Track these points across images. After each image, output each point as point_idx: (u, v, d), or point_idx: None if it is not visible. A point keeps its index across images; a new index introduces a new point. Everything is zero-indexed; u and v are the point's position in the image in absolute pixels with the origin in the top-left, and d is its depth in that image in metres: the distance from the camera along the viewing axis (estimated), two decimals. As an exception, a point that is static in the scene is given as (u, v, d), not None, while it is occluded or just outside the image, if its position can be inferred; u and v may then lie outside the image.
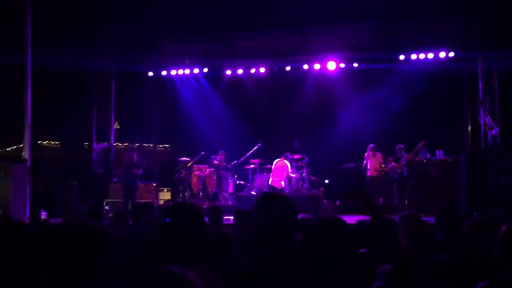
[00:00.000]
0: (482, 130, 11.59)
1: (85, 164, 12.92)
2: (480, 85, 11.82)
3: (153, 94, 14.90)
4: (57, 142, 13.81)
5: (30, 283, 1.64)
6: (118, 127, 14.67)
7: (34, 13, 10.49)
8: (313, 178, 12.88)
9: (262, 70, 13.83)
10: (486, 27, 11.44)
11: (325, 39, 13.24)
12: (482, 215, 4.81)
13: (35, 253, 1.68)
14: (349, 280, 2.12)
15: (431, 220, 7.01)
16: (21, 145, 10.54)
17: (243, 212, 6.16)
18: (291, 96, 14.07)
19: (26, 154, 10.31)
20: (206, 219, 4.91)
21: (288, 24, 12.82)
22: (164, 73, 14.58)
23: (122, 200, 11.33)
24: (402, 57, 12.92)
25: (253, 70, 14.01)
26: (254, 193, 12.41)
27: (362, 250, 3.81)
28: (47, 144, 13.87)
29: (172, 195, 13.93)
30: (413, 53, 12.84)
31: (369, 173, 12.15)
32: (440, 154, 11.76)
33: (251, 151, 12.96)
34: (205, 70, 14.26)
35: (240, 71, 14.14)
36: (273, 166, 12.54)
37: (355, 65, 13.46)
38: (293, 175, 12.52)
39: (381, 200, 11.80)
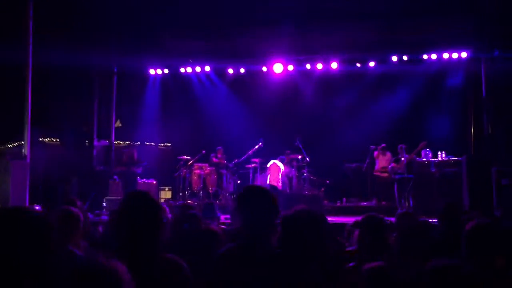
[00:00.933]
0: (485, 131, 11.51)
1: (86, 161, 12.90)
2: (484, 86, 11.74)
3: (155, 92, 14.87)
4: (57, 139, 13.79)
5: None
6: (120, 125, 14.66)
7: (35, 10, 10.49)
8: (314, 178, 12.82)
9: (264, 69, 13.78)
10: (492, 29, 11.36)
11: (329, 38, 13.17)
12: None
13: None
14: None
15: (433, 221, 6.97)
16: (22, 142, 10.55)
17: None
18: (293, 95, 14.02)
19: (26, 150, 10.31)
20: (200, 214, 4.89)
21: (292, 23, 12.74)
22: (166, 71, 14.55)
23: (122, 197, 11.29)
24: (405, 57, 12.86)
25: (255, 69, 13.96)
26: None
27: (350, 248, 3.77)
28: (48, 141, 13.85)
29: (172, 194, 13.91)
30: (417, 54, 12.76)
31: (377, 173, 12.07)
32: (442, 155, 11.68)
33: (252, 150, 12.91)
34: (207, 68, 14.22)
35: (242, 70, 14.10)
36: (268, 166, 12.51)
37: (358, 65, 13.41)
38: (290, 175, 12.48)
39: (383, 202, 11.73)
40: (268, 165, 12.47)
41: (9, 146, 13.73)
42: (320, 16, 12.25)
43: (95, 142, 13.56)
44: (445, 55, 12.59)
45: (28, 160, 10.19)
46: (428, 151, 11.48)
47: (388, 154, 12.03)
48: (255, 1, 11.56)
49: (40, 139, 13.36)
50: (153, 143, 15.25)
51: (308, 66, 13.68)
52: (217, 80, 14.70)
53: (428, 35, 12.55)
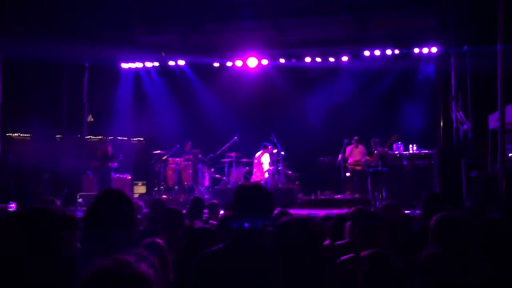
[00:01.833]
0: (454, 125, 11.81)
1: (57, 156, 12.65)
2: (453, 80, 12.05)
3: (127, 86, 14.68)
4: (27, 135, 13.47)
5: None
6: (92, 119, 14.41)
7: (3, 2, 10.20)
8: (289, 172, 12.94)
9: (239, 63, 13.78)
10: (460, 24, 11.64)
11: (301, 33, 13.27)
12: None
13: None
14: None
15: (406, 212, 7.14)
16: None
17: (216, 204, 6.16)
18: (267, 90, 14.07)
19: (-5, 146, 10.05)
20: (184, 211, 4.89)
21: (264, 17, 12.79)
22: (139, 65, 14.39)
23: (96, 193, 11.15)
24: (377, 52, 13.07)
25: (229, 64, 13.96)
26: (230, 187, 12.38)
27: (340, 242, 3.84)
28: (18, 137, 13.51)
29: (147, 189, 13.81)
30: (387, 48, 13.00)
31: (350, 166, 12.24)
32: (413, 148, 11.97)
33: (227, 144, 12.92)
34: (181, 62, 14.12)
35: (216, 64, 14.07)
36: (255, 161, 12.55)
37: (331, 59, 13.56)
38: (270, 167, 12.55)
39: (356, 195, 11.94)
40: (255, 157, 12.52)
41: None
42: (294, 11, 12.33)
43: (66, 137, 13.31)
44: (416, 50, 12.86)
45: (-2, 156, 9.94)
46: (400, 144, 11.75)
47: (361, 147, 12.23)
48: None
49: (9, 134, 13.03)
50: (125, 138, 15.06)
51: (282, 60, 13.76)
52: (191, 74, 14.61)
53: (399, 29, 12.80)
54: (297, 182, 12.76)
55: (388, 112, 13.21)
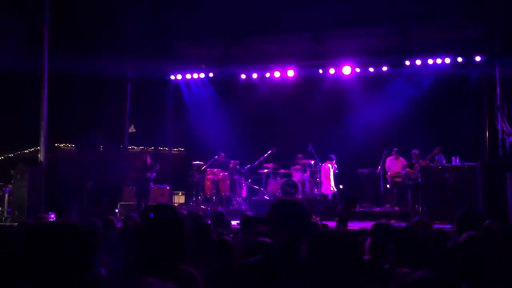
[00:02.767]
0: (500, 136, 11.38)
1: (100, 166, 13.02)
2: (498, 90, 11.63)
3: (169, 97, 14.99)
4: (72, 145, 13.96)
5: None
6: (134, 130, 14.79)
7: (51, 18, 10.67)
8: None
9: (277, 74, 13.81)
10: (505, 33, 11.26)
11: (340, 44, 13.18)
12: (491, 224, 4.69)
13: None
14: None
15: (446, 227, 6.92)
16: (38, 147, 10.70)
17: (249, 217, 6.14)
18: (306, 101, 14.02)
19: (42, 156, 10.46)
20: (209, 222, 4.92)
21: (303, 29, 12.79)
22: (179, 77, 14.67)
23: (135, 203, 11.40)
24: (418, 61, 12.80)
25: (267, 75, 14.02)
26: (267, 198, 12.37)
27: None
28: (63, 147, 14.03)
29: (185, 199, 13.99)
30: (430, 58, 12.70)
31: (389, 177, 12.01)
32: (456, 161, 11.58)
33: (265, 155, 12.94)
34: (221, 74, 14.30)
35: (255, 75, 14.17)
36: (321, 172, 12.47)
37: (371, 69, 13.38)
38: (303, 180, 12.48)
39: (396, 208, 11.67)
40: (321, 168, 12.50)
41: (25, 152, 13.93)
42: (333, 22, 12.26)
43: (109, 148, 13.69)
44: (459, 59, 12.50)
45: (43, 166, 10.33)
46: (442, 156, 11.39)
47: (401, 159, 11.97)
48: (269, 8, 11.61)
49: (56, 144, 13.54)
50: (166, 148, 15.35)
51: (320, 71, 13.69)
52: (231, 86, 14.77)
53: (441, 39, 12.49)
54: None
55: (431, 123, 12.86)
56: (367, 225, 7.94)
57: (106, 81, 13.58)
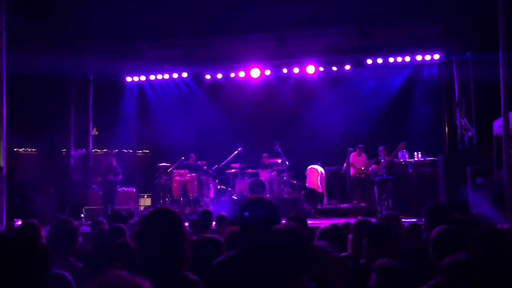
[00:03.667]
0: (459, 131, 11.79)
1: (63, 171, 12.71)
2: (456, 87, 12.04)
3: (132, 99, 14.77)
4: (33, 149, 13.55)
5: None
6: (96, 133, 14.51)
7: (9, 16, 10.29)
8: (294, 182, 12.92)
9: (242, 74, 13.84)
10: (462, 30, 11.66)
11: (304, 43, 13.33)
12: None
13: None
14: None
15: (412, 221, 7.11)
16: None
17: (224, 217, 6.15)
18: (271, 100, 14.12)
19: (1, 162, 10.08)
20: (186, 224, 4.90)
21: (267, 29, 12.87)
22: (143, 78, 14.48)
23: (101, 207, 11.19)
24: (380, 60, 13.11)
25: (232, 75, 14.03)
26: (236, 198, 12.38)
27: (343, 254, 3.82)
28: (24, 151, 13.60)
29: (152, 201, 13.82)
30: (391, 56, 13.03)
31: (352, 174, 12.26)
32: (418, 156, 11.94)
33: (232, 155, 12.95)
34: (184, 74, 14.22)
35: (219, 76, 14.15)
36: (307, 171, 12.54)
37: (334, 68, 13.60)
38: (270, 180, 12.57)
39: (362, 204, 11.91)
40: (307, 170, 12.52)
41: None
42: (296, 22, 12.38)
43: (72, 151, 13.38)
44: (418, 57, 12.89)
45: (4, 172, 9.97)
46: (405, 152, 11.72)
47: (363, 155, 12.24)
48: (232, 8, 11.61)
49: (15, 149, 13.12)
50: (131, 150, 15.11)
51: (285, 70, 13.80)
52: (195, 86, 14.70)
53: (401, 38, 12.84)
54: (302, 192, 12.74)
55: (392, 120, 13.20)
56: (336, 221, 8.08)
57: (69, 82, 13.27)
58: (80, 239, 6.84)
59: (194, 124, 14.28)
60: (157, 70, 14.28)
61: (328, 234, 4.34)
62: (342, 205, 12.23)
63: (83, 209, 11.50)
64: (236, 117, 14.01)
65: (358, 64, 13.45)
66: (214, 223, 6.37)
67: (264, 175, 12.61)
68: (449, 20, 12.10)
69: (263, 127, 13.93)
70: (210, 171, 12.98)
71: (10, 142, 10.42)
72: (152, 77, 14.43)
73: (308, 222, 9.37)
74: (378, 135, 12.55)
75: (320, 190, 12.36)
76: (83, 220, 11.07)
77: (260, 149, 13.14)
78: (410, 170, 11.59)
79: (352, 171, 12.37)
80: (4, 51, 10.14)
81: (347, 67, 13.48)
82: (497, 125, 9.07)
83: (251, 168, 12.94)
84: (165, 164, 12.88)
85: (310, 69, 13.48)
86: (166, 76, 14.30)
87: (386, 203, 10.56)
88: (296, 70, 13.66)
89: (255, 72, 13.61)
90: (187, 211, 11.85)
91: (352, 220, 5.91)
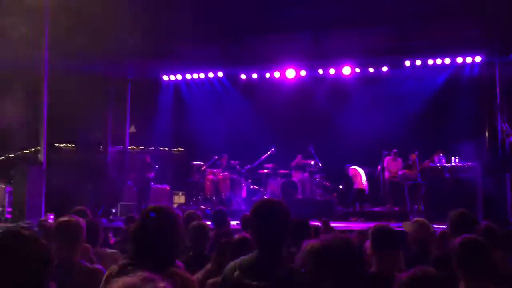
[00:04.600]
0: (500, 136, 11.38)
1: (100, 167, 13.05)
2: (498, 91, 11.63)
3: (169, 98, 15.01)
4: (73, 145, 13.99)
5: None
6: (134, 130, 14.82)
7: (51, 17, 10.67)
8: (327, 184, 12.81)
9: (277, 74, 13.82)
10: (505, 33, 11.27)
11: (341, 44, 13.17)
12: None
13: None
14: None
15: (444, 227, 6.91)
16: (38, 147, 10.71)
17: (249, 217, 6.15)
18: (305, 101, 14.03)
19: (42, 156, 10.46)
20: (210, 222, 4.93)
21: (303, 29, 12.79)
22: (179, 77, 14.68)
23: (135, 203, 11.43)
24: (418, 62, 12.80)
25: (267, 75, 14.02)
26: (267, 197, 12.38)
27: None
28: (64, 147, 14.05)
29: (186, 199, 14.01)
30: (430, 58, 12.71)
31: (387, 178, 12.03)
32: (456, 161, 11.59)
33: (265, 155, 12.95)
34: (220, 74, 14.32)
35: (255, 75, 14.17)
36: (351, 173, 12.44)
37: (371, 70, 13.38)
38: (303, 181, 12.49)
39: (396, 208, 11.68)
40: (351, 170, 12.39)
41: (25, 152, 13.95)
42: (332, 22, 12.26)
43: (109, 148, 13.72)
44: (459, 59, 12.52)
45: (44, 166, 10.34)
46: (441, 156, 11.40)
47: (399, 160, 11.98)
48: (268, 8, 11.62)
49: (56, 144, 13.56)
50: (166, 148, 15.37)
51: (320, 71, 13.68)
52: (230, 86, 14.78)
53: (441, 39, 12.49)
54: (335, 194, 12.61)
55: (430, 123, 12.86)
56: (369, 225, 7.94)
57: (108, 81, 13.61)
58: (110, 233, 7.02)
59: (228, 123, 14.36)
60: (193, 69, 14.45)
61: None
62: (375, 209, 12.02)
63: (118, 205, 11.76)
64: (270, 117, 13.99)
65: (396, 65, 13.17)
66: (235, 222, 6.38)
67: (296, 176, 12.56)
68: (491, 21, 11.68)
69: (297, 128, 13.86)
70: (243, 170, 13.03)
71: (50, 138, 10.82)
72: (188, 76, 14.61)
73: (340, 225, 9.29)
74: (415, 139, 12.26)
75: (367, 191, 12.19)
76: (118, 215, 11.31)
77: (293, 150, 13.09)
78: (447, 175, 11.26)
79: (386, 174, 12.15)
80: (46, 49, 10.55)
81: (385, 68, 13.24)
82: (540, 131, 8.71)
83: (284, 169, 12.91)
84: (198, 162, 13.02)
85: (346, 70, 13.32)
86: (202, 75, 14.46)
87: (418, 208, 10.32)
88: (332, 71, 13.52)
89: (290, 73, 13.57)
90: (222, 209, 11.93)
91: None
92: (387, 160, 12.10)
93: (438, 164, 11.44)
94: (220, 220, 5.68)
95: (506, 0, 10.60)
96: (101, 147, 13.73)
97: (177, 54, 13.98)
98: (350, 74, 13.40)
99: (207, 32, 12.82)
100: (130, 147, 14.45)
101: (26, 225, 8.12)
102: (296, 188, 12.31)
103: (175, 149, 15.70)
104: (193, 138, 14.38)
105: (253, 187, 13.25)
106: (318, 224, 6.25)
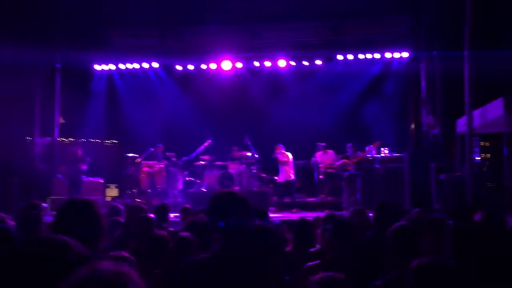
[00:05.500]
0: (424, 129, 12.06)
1: (27, 159, 12.40)
2: (423, 85, 12.30)
3: (101, 88, 14.51)
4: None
5: None
6: (63, 121, 14.20)
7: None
8: (263, 175, 12.97)
9: (213, 66, 13.77)
10: (430, 28, 11.91)
11: (276, 37, 13.36)
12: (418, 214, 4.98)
13: None
14: None
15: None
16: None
17: (189, 209, 6.13)
18: (242, 93, 14.10)
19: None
20: (153, 216, 4.86)
21: (240, 21, 12.84)
22: (112, 67, 14.23)
23: (67, 197, 10.97)
24: (350, 56, 13.25)
25: (203, 66, 13.94)
26: (204, 190, 12.35)
27: (312, 249, 3.87)
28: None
29: (119, 192, 13.65)
30: (360, 53, 13.20)
31: (322, 170, 12.35)
32: (385, 152, 12.16)
33: (201, 147, 12.89)
34: (155, 64, 14.04)
35: (191, 67, 14.03)
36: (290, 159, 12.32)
37: (305, 63, 13.68)
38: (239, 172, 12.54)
39: (329, 198, 12.04)
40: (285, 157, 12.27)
41: None
42: (268, 16, 12.40)
43: (37, 139, 13.06)
44: (388, 55, 13.10)
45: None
46: (372, 147, 11.91)
47: (330, 152, 12.32)
48: (206, 0, 11.54)
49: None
50: (99, 140, 14.86)
51: (256, 63, 13.81)
52: (166, 77, 14.53)
53: (371, 35, 13.01)
54: (271, 185, 12.80)
55: (361, 115, 13.37)
56: (304, 215, 8.16)
57: (35, 70, 12.91)
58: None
59: (164, 115, 14.14)
60: (127, 59, 14.06)
61: (297, 227, 4.38)
62: (310, 199, 12.34)
63: (48, 199, 11.24)
64: (207, 109, 13.93)
65: (329, 59, 13.59)
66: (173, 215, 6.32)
67: (233, 168, 12.61)
68: (418, 19, 12.32)
69: (233, 119, 13.89)
70: (179, 162, 12.89)
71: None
72: (122, 66, 14.21)
73: (275, 215, 9.46)
74: (346, 131, 12.71)
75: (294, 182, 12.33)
76: (48, 210, 10.81)
77: (230, 142, 13.11)
78: (378, 166, 11.79)
79: (321, 166, 12.47)
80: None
81: (318, 62, 13.59)
82: (461, 123, 9.33)
83: (220, 161, 12.91)
84: (133, 154, 12.72)
85: (282, 63, 13.53)
86: (136, 65, 14.10)
87: (353, 198, 10.73)
88: (267, 63, 13.68)
89: (226, 65, 13.57)
90: (154, 203, 11.71)
91: (321, 214, 5.99)
92: (318, 155, 12.41)
93: (369, 155, 11.94)
94: (162, 214, 5.59)
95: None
96: (28, 138, 13.04)
97: (111, 43, 13.55)
98: (285, 67, 13.63)
99: (142, 21, 12.52)
100: (59, 139, 13.83)
101: None
102: (232, 180, 12.35)
103: (108, 141, 15.22)
104: (127, 130, 14.02)
105: (190, 179, 13.15)
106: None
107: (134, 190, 12.60)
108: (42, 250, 1.47)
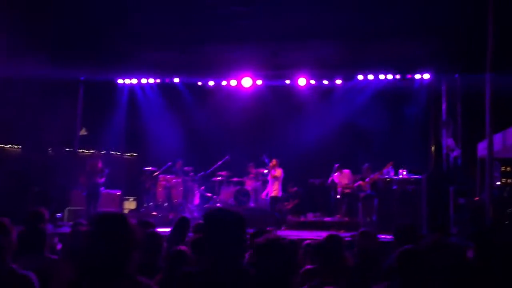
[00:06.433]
0: (444, 151, 11.88)
1: (48, 169, 12.60)
2: (444, 107, 12.16)
3: (123, 101, 14.73)
4: (18, 146, 13.45)
5: None
6: (85, 133, 14.43)
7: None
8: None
9: (233, 83, 13.87)
10: (452, 51, 11.81)
11: (297, 56, 13.40)
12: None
13: None
14: None
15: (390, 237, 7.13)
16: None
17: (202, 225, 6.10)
18: (261, 110, 14.15)
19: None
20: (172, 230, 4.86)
21: (261, 39, 12.93)
22: (134, 81, 14.46)
23: (84, 208, 11.11)
24: (371, 76, 13.20)
25: (224, 83, 14.05)
26: (220, 205, 12.35)
27: (310, 266, 3.83)
28: (9, 148, 13.49)
29: (137, 205, 13.76)
30: (382, 73, 13.14)
31: (339, 190, 12.26)
32: (403, 174, 12.00)
33: (219, 163, 12.94)
34: (176, 80, 14.21)
35: (211, 83, 14.17)
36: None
37: (325, 82, 13.68)
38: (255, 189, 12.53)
39: (346, 218, 11.91)
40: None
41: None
42: (290, 34, 12.46)
43: (58, 150, 13.28)
44: (409, 76, 13.01)
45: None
46: (390, 169, 11.78)
47: (345, 172, 12.19)
48: (228, 18, 11.67)
49: (1, 145, 13.01)
50: (118, 153, 15.05)
51: (276, 81, 13.85)
52: (186, 92, 14.69)
53: (393, 56, 12.95)
54: (285, 203, 12.74)
55: (380, 136, 13.26)
56: (319, 234, 8.09)
57: (58, 83, 13.18)
58: (56, 239, 6.78)
59: (183, 130, 14.26)
60: (149, 74, 14.27)
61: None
62: (326, 218, 12.22)
63: (66, 210, 11.39)
64: (225, 125, 14.01)
65: (349, 79, 13.55)
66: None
67: (250, 185, 12.61)
68: (441, 41, 12.23)
69: (251, 136, 13.93)
70: (196, 177, 12.95)
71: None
72: (144, 80, 14.42)
73: (291, 233, 9.39)
74: (365, 150, 12.61)
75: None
76: (65, 220, 10.95)
77: (247, 159, 13.14)
78: (395, 187, 11.64)
79: (338, 186, 12.37)
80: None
81: (338, 81, 13.57)
82: (482, 147, 9.18)
83: (237, 177, 12.93)
84: (151, 168, 12.83)
85: (302, 81, 13.55)
86: (158, 80, 14.30)
87: (369, 219, 10.60)
88: (287, 82, 13.73)
89: (246, 82, 13.66)
90: (170, 217, 11.77)
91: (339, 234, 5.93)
92: (335, 177, 12.31)
93: (386, 177, 11.80)
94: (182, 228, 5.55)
95: (454, 21, 11.12)
96: (50, 149, 13.27)
97: (135, 58, 13.78)
98: (305, 85, 13.65)
99: (165, 37, 12.72)
100: (80, 150, 14.05)
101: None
102: (248, 196, 12.34)
103: (128, 154, 15.40)
104: (147, 143, 14.18)
105: (206, 194, 13.19)
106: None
107: (150, 204, 12.68)
108: None
